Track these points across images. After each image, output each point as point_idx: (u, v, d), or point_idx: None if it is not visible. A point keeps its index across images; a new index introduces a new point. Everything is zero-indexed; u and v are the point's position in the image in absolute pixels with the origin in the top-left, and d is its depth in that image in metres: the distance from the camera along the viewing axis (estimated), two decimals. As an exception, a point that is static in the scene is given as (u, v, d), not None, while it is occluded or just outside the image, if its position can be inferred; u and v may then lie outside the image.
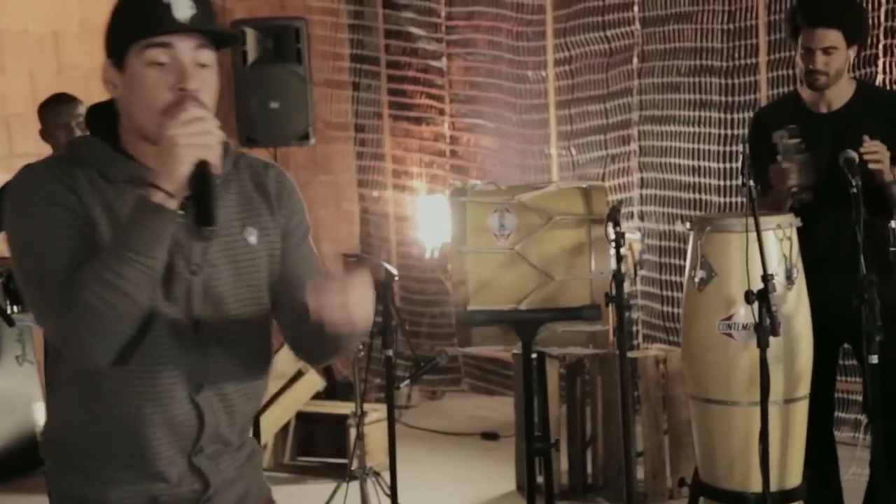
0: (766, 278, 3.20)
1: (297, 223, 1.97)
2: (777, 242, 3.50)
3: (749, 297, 3.22)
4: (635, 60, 5.91)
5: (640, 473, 4.75)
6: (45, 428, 1.95)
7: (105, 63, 1.84)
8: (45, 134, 4.37)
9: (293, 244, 1.95)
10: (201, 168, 1.72)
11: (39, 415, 5.50)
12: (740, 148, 3.32)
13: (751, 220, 3.27)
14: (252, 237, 1.88)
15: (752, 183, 3.25)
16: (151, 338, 1.79)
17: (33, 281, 1.77)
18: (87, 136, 1.90)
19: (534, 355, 3.60)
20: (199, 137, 1.72)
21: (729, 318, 3.49)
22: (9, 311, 3.78)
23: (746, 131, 5.44)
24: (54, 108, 4.35)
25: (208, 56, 1.80)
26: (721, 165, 5.57)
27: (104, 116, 1.88)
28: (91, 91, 6.96)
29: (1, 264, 3.93)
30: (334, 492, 4.27)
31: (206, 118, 1.74)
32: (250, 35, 6.26)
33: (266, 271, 1.91)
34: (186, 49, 1.77)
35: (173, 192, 1.72)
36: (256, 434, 4.01)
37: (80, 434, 1.85)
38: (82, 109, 4.33)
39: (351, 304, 1.72)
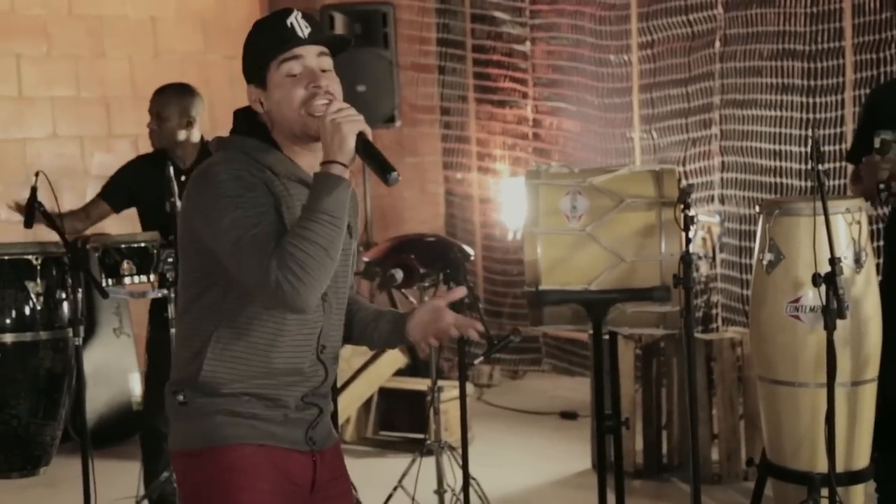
0: (834, 261, 3.23)
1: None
2: (846, 226, 3.52)
3: (816, 279, 3.24)
4: (717, 44, 5.91)
5: (714, 455, 4.80)
6: (186, 370, 2.25)
7: (249, 88, 2.25)
8: (160, 119, 4.41)
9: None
10: (362, 137, 2.12)
11: (135, 385, 5.72)
12: (810, 133, 3.35)
13: (819, 204, 3.30)
14: (349, 233, 2.27)
15: (820, 167, 3.27)
16: None
17: (245, 248, 2.09)
18: (245, 137, 2.24)
19: (606, 335, 3.67)
20: (352, 116, 2.12)
21: (797, 300, 3.53)
22: (103, 284, 3.97)
23: (830, 115, 5.47)
24: (184, 97, 4.38)
25: (328, 62, 2.24)
26: (803, 150, 5.55)
27: (256, 121, 2.25)
28: (186, 75, 7.21)
29: (96, 240, 4.12)
30: (410, 464, 4.40)
31: (347, 105, 2.16)
32: (339, 19, 6.42)
33: (353, 257, 2.35)
34: (311, 57, 2.21)
35: (347, 164, 2.11)
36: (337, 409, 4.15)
37: (231, 373, 2.21)
38: (199, 102, 4.43)
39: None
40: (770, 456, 3.69)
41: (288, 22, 2.21)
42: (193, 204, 2.18)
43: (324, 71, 2.21)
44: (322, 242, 2.07)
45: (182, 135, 4.40)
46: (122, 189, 4.48)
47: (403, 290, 4.32)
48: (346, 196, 2.11)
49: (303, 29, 2.21)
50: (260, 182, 2.15)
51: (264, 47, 2.21)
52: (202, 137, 4.44)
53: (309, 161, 2.22)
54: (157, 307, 4.31)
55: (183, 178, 4.06)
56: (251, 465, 2.20)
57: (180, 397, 2.24)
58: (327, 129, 2.12)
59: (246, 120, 2.27)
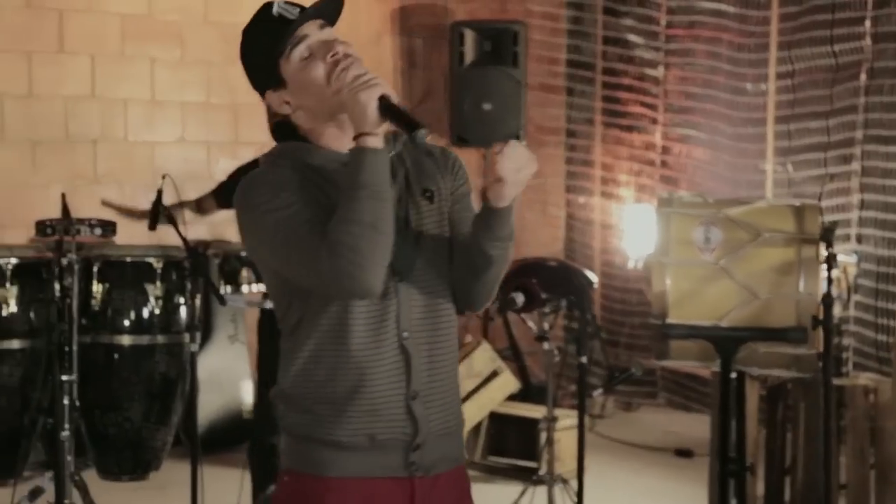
0: None
1: (466, 189, 2.23)
2: None
3: (969, 330, 3.05)
4: (863, 77, 5.68)
5: (840, 506, 4.58)
6: (280, 384, 2.17)
7: (268, 97, 2.14)
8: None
9: (462, 207, 2.21)
10: (384, 101, 2.00)
11: (247, 393, 5.73)
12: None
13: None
14: (429, 198, 2.15)
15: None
16: None
17: (293, 248, 2.03)
18: (285, 142, 2.17)
19: (733, 374, 3.51)
20: (369, 80, 2.01)
21: (945, 351, 3.31)
22: (221, 291, 3.96)
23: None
24: None
25: (330, 31, 2.14)
26: (950, 191, 5.29)
27: (291, 130, 2.17)
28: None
29: (218, 247, 4.12)
30: (521, 494, 4.28)
31: (361, 65, 2.05)
32: (469, 36, 6.35)
33: (445, 228, 2.17)
34: (314, 31, 2.12)
35: (374, 131, 2.00)
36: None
37: (313, 385, 2.11)
38: None
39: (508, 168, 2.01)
40: (906, 514, 3.48)
41: (275, 12, 2.12)
42: (239, 224, 2.13)
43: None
44: (368, 219, 1.97)
45: None
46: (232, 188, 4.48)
47: (523, 315, 4.22)
48: (381, 164, 2.00)
49: (292, 11, 2.12)
50: (294, 178, 2.08)
51: (267, 46, 2.12)
52: None
53: (351, 144, 2.10)
54: (268, 317, 4.28)
55: None
56: (324, 499, 2.08)
57: (280, 408, 2.17)
58: (347, 102, 2.02)
59: (279, 129, 2.18)
